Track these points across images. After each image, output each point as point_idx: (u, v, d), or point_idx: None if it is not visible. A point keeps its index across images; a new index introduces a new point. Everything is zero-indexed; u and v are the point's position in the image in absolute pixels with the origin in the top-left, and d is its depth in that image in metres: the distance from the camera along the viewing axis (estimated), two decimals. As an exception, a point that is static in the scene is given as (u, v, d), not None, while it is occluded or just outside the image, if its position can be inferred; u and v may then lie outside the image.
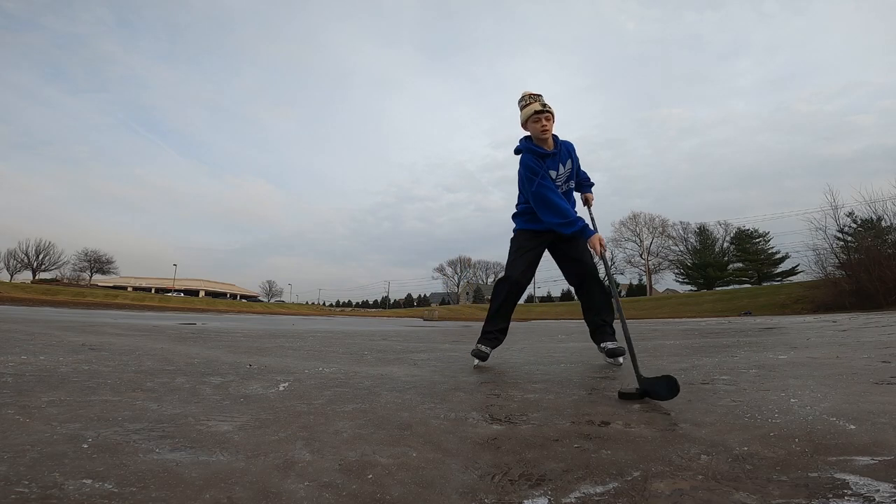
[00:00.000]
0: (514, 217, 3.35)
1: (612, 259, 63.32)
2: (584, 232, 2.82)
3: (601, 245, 2.77)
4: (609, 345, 3.17)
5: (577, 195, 3.33)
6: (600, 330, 3.23)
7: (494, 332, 3.29)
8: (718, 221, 55.53)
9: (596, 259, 3.17)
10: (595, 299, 3.21)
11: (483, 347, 3.26)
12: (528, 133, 3.08)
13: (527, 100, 3.03)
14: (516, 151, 3.15)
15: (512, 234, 3.35)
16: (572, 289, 3.40)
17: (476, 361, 3.29)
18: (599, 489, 1.01)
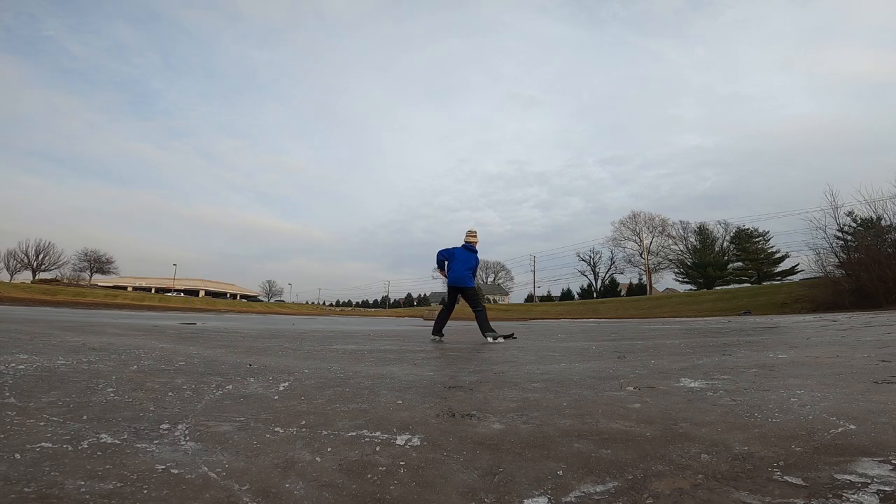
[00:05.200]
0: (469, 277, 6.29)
1: (611, 258, 63.57)
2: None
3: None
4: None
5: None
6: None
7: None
8: (718, 221, 55.59)
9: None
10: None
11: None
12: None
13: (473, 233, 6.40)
14: (471, 249, 6.32)
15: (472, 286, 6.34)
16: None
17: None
18: (599, 488, 1.01)
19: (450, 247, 6.23)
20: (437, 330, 6.31)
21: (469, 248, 6.18)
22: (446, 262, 6.15)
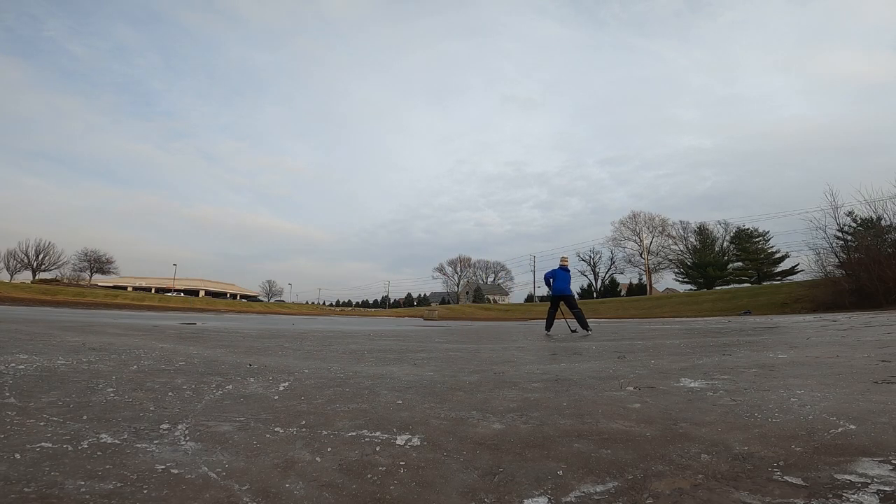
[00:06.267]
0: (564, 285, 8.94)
1: (611, 258, 63.62)
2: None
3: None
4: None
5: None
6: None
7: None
8: (718, 221, 55.64)
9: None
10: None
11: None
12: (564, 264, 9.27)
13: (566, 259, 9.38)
14: (566, 269, 9.18)
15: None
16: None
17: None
18: (599, 488, 1.01)
19: (551, 269, 9.19)
20: (548, 326, 8.77)
21: (564, 269, 9.05)
22: (551, 280, 8.97)
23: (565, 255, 9.35)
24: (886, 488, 0.96)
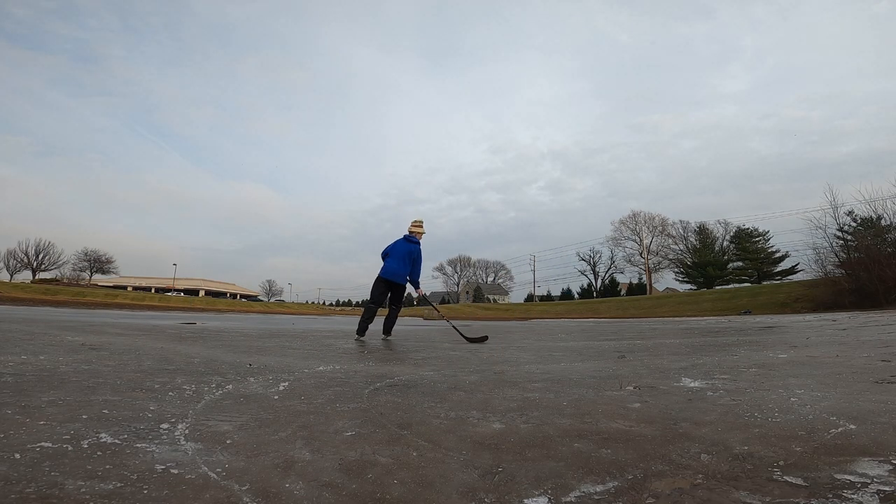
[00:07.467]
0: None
1: (611, 258, 63.57)
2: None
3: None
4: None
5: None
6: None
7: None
8: (718, 220, 55.65)
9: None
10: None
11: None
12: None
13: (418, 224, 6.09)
14: (416, 243, 6.03)
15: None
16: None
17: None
18: (599, 488, 1.01)
19: (394, 241, 6.10)
20: (362, 330, 5.84)
21: (410, 240, 5.96)
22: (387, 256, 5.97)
23: (418, 219, 6.13)
24: (886, 488, 0.96)
